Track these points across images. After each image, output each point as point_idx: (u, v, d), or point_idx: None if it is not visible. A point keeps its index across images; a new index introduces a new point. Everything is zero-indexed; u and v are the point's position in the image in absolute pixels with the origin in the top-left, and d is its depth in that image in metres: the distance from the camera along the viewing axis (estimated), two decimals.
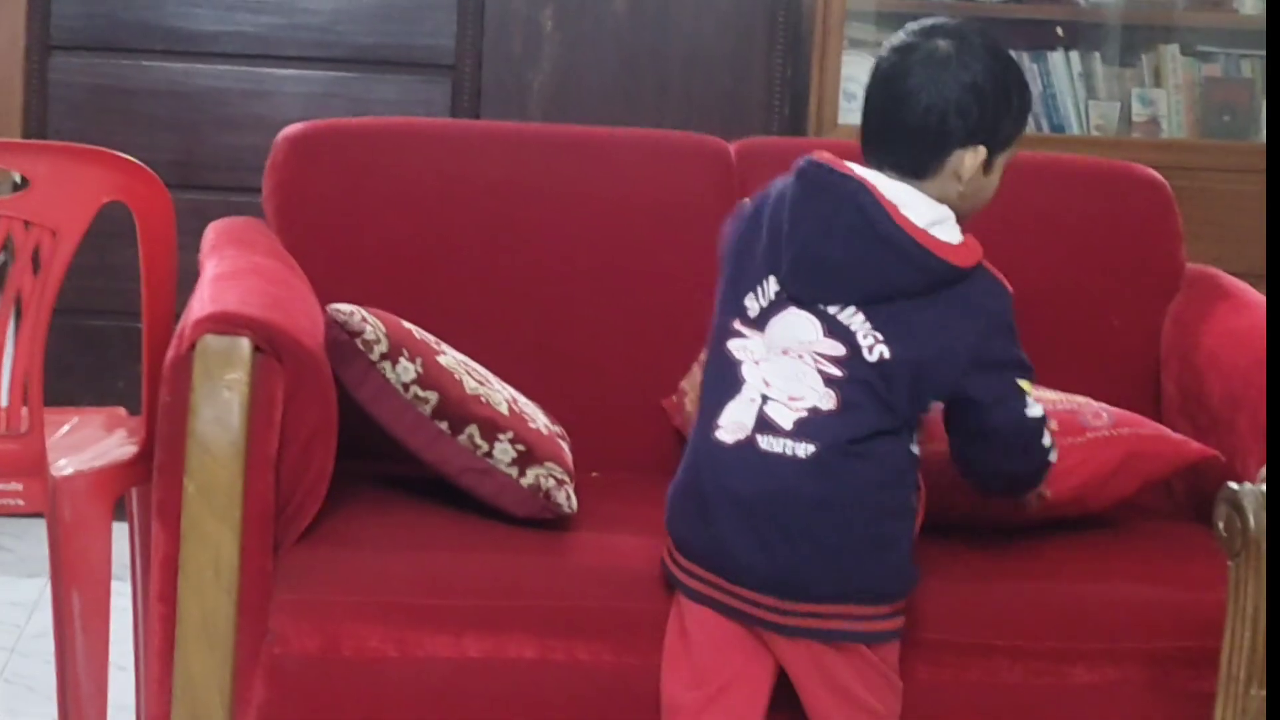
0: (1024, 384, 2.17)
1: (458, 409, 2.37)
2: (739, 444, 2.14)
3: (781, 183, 2.21)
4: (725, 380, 2.17)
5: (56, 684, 2.57)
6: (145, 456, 2.60)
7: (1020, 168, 2.92)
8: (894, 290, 2.12)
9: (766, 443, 2.12)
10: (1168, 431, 2.59)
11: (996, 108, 2.19)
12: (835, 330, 2.12)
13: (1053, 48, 4.22)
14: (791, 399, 2.13)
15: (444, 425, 2.36)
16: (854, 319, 2.12)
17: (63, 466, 2.61)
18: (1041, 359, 2.26)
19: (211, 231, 2.75)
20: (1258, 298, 2.79)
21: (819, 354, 2.12)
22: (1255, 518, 1.98)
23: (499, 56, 4.00)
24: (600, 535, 2.39)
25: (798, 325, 2.14)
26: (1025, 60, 4.17)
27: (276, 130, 2.86)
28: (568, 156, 2.79)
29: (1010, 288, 2.18)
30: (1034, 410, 2.18)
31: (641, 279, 2.75)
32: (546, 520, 2.38)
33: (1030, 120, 4.10)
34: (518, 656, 2.25)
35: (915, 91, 2.16)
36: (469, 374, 2.44)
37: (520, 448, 2.36)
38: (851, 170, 2.16)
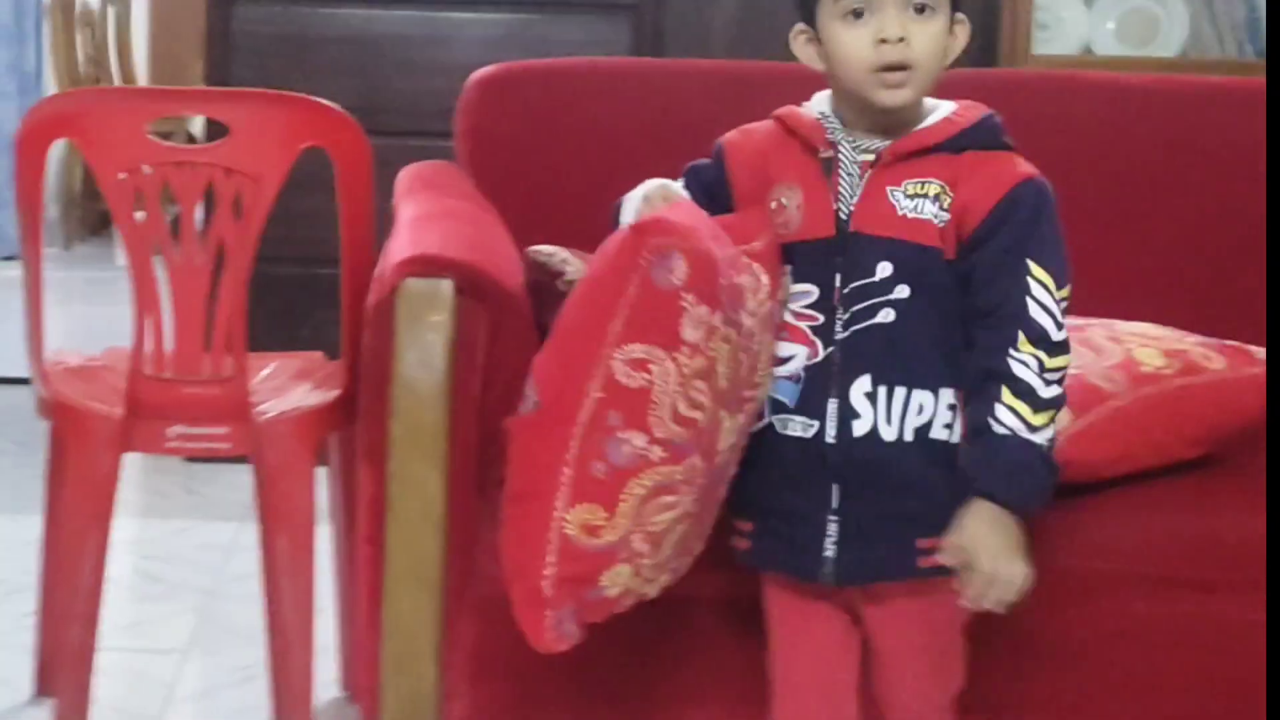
0: None
1: None
2: None
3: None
4: None
5: (265, 626, 2.61)
6: (346, 400, 2.63)
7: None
8: None
9: None
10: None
11: None
12: None
13: None
14: None
15: None
16: None
17: (266, 410, 2.64)
18: None
19: (405, 175, 2.76)
20: None
21: None
22: None
23: None
24: None
25: None
26: None
27: (456, 75, 2.86)
28: (758, 93, 2.74)
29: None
30: None
31: None
32: None
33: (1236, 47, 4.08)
34: None
35: None
36: None
37: None
38: None
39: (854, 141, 2.05)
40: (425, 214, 2.50)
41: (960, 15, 2.04)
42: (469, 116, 2.78)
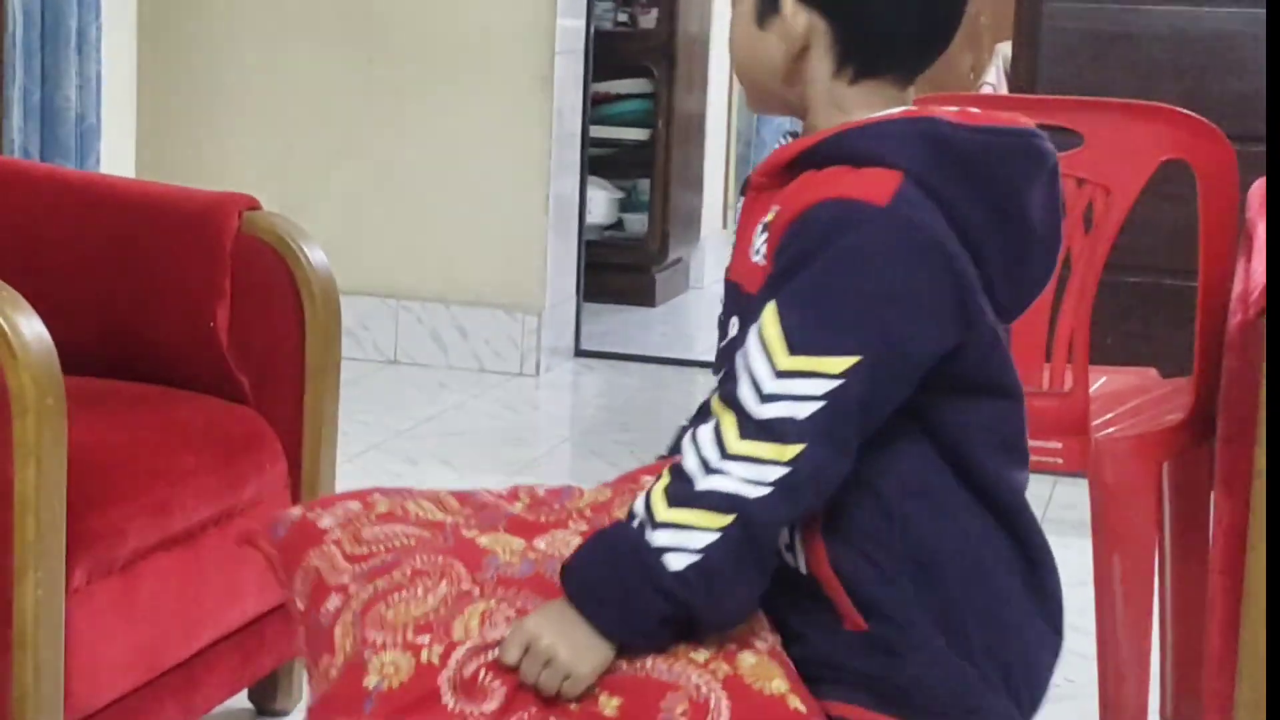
0: None
1: None
2: None
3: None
4: None
5: (1096, 647, 2.55)
6: (1191, 422, 2.52)
7: None
8: None
9: None
10: None
11: None
12: None
13: None
14: None
15: None
16: None
17: (1102, 427, 2.57)
18: None
19: (1259, 191, 2.62)
20: None
21: None
22: None
23: None
24: None
25: None
26: None
27: None
28: None
29: None
30: None
31: None
32: None
33: None
34: None
35: None
36: None
37: None
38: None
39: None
40: None
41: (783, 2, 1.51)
42: None
